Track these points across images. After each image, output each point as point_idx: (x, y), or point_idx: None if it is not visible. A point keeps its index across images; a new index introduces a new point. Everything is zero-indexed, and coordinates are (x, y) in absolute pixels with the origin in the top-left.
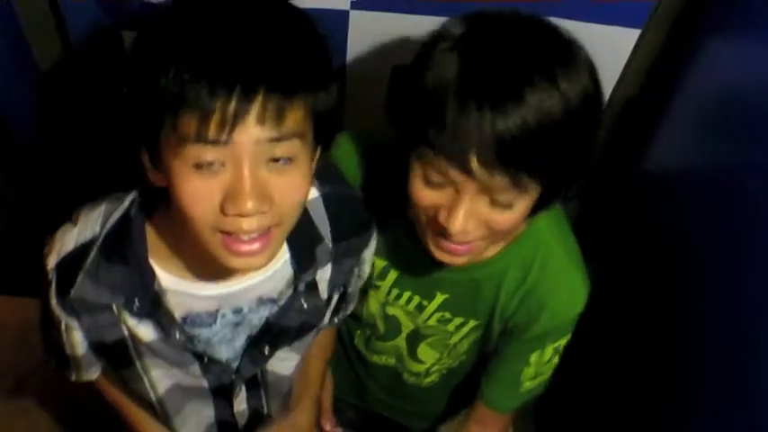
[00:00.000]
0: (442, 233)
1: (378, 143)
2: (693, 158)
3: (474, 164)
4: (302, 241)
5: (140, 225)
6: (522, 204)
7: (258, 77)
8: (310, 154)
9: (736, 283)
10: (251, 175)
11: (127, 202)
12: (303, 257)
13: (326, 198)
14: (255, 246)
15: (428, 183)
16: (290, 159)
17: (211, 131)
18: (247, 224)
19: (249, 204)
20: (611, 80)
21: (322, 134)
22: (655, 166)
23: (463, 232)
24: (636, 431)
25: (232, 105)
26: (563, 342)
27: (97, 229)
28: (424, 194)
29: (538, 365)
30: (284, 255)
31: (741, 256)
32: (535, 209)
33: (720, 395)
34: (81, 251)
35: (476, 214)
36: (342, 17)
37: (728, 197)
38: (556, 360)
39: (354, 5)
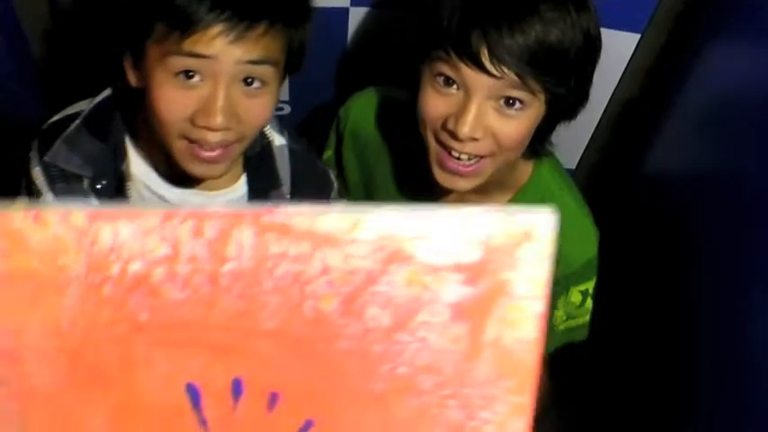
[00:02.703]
0: (450, 147)
1: (392, 99)
2: (693, 160)
3: (485, 57)
4: (261, 179)
5: (123, 111)
6: (528, 117)
7: (251, 3)
8: (279, 81)
9: (736, 284)
10: (225, 94)
11: (111, 92)
12: (258, 194)
13: (292, 152)
14: (215, 153)
15: (438, 92)
16: (262, 83)
17: (199, 45)
18: (212, 137)
19: (219, 120)
20: (612, 83)
21: (292, 64)
22: (655, 168)
23: (472, 136)
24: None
25: (221, 25)
26: (589, 286)
27: (84, 105)
28: (435, 103)
29: (567, 308)
30: (243, 187)
31: (742, 256)
32: (539, 134)
33: (719, 397)
34: (66, 121)
35: (484, 121)
36: (342, 14)
37: (729, 198)
38: (589, 304)
39: (354, 2)
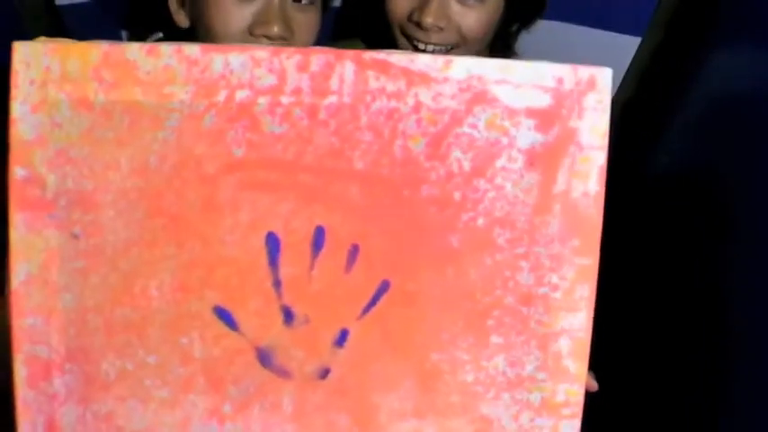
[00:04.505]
0: (416, 38)
1: None
2: (695, 163)
3: None
4: None
5: None
6: (486, 10)
7: None
8: (321, 6)
9: (738, 284)
10: (280, 4)
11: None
12: None
13: None
14: None
15: None
16: (310, 1)
17: None
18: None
19: (276, 28)
20: (613, 86)
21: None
22: (656, 171)
23: (437, 24)
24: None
25: None
26: None
27: None
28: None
29: None
30: None
31: (743, 256)
32: (500, 34)
33: (721, 397)
34: None
35: (446, 11)
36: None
37: (731, 200)
38: None
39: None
